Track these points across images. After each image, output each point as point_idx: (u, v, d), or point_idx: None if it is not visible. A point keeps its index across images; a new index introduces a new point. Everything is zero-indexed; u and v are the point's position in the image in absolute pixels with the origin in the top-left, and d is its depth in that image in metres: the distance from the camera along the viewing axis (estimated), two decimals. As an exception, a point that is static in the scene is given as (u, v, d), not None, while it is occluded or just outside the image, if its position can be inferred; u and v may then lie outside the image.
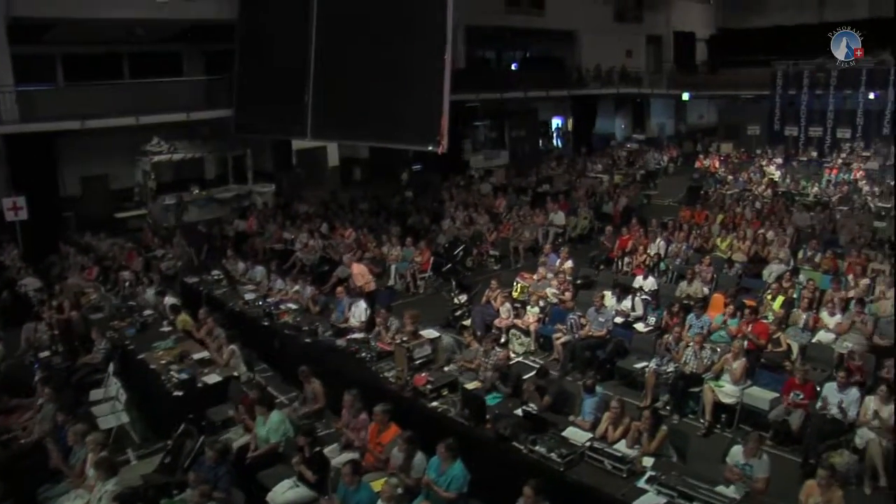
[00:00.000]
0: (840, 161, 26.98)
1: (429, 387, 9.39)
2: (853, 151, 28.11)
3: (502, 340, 12.78)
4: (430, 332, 10.60)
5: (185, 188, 24.31)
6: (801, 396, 9.31)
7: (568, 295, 13.22)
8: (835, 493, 6.95)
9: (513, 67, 38.20)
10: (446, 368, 10.18)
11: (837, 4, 35.77)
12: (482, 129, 34.69)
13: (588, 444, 7.84)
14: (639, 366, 10.95)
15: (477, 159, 32.50)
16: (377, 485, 7.48)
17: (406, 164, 28.24)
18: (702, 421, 9.95)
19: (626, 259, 16.07)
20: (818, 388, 9.40)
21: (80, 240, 19.44)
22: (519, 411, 8.68)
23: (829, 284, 12.87)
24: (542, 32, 34.54)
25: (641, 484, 7.27)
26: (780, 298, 12.36)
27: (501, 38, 35.56)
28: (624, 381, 11.20)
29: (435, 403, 9.26)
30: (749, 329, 11.15)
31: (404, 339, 10.40)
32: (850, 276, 13.49)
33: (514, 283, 14.34)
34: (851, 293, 12.66)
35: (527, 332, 12.65)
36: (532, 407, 8.84)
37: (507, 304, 12.97)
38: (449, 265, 16.56)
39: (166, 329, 12.47)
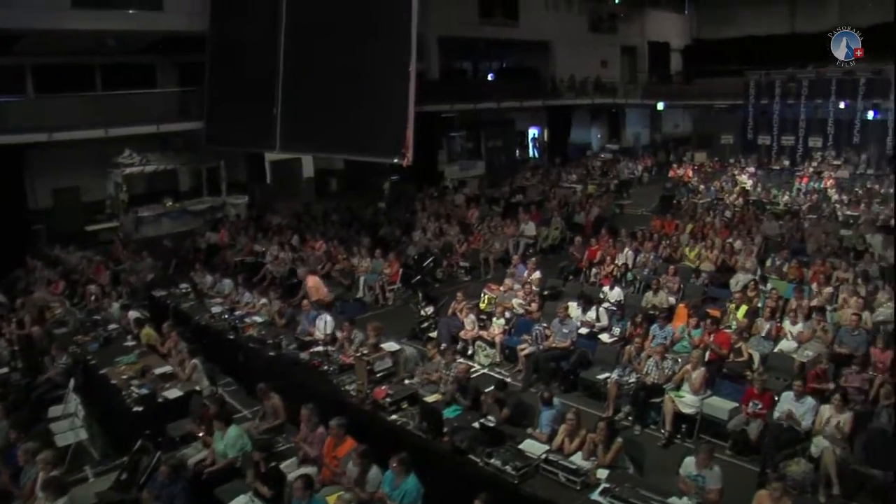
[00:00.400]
0: (811, 170, 27.28)
1: (388, 400, 9.37)
2: (824, 160, 28.42)
3: (468, 352, 12.82)
4: (390, 345, 10.58)
5: (159, 200, 24.23)
6: (760, 406, 9.37)
7: (534, 306, 13.26)
8: (786, 504, 6.99)
9: (489, 78, 38.34)
10: (407, 381, 10.17)
11: (808, 15, 36.29)
12: (458, 140, 34.74)
13: (543, 456, 7.86)
14: (602, 377, 10.96)
15: (452, 170, 32.53)
16: (332, 499, 7.47)
17: (383, 175, 28.20)
18: (662, 431, 9.98)
19: (595, 269, 16.10)
20: (776, 398, 9.47)
21: (49, 253, 19.26)
22: (477, 424, 8.67)
23: (793, 293, 12.96)
24: (516, 43, 34.75)
25: (595, 496, 7.29)
26: (744, 308, 12.45)
27: (476, 49, 35.70)
28: (587, 392, 11.22)
29: (394, 417, 9.24)
30: (711, 339, 11.23)
31: (365, 352, 10.38)
32: (814, 285, 13.61)
33: (482, 295, 14.35)
34: (815, 302, 12.77)
35: (492, 344, 12.64)
36: (491, 419, 8.84)
37: (472, 316, 12.98)
38: (418, 277, 16.57)
39: (130, 343, 12.39)
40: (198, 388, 10.67)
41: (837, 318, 12.05)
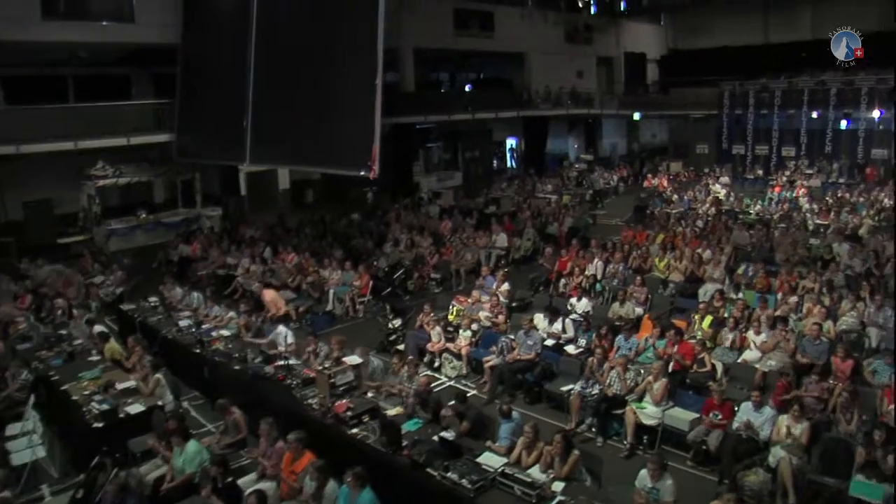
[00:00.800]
0: (784, 179, 27.52)
1: (349, 413, 9.34)
2: (797, 169, 28.71)
3: (435, 364, 12.83)
4: (353, 359, 10.55)
5: (133, 212, 24.11)
6: (720, 417, 9.43)
7: (501, 318, 13.27)
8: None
9: (466, 89, 38.48)
10: (370, 394, 10.15)
11: (781, 26, 36.73)
12: (436, 151, 34.81)
13: (500, 469, 7.86)
14: (565, 388, 10.95)
15: (430, 181, 32.59)
16: (287, 514, 7.44)
17: (360, 186, 28.18)
18: (625, 443, 10.00)
19: (564, 280, 16.13)
20: (736, 409, 9.52)
21: (17, 266, 19.08)
22: (436, 437, 8.67)
23: (757, 303, 13.05)
24: (492, 54, 34.92)
25: (550, 509, 7.31)
26: (709, 318, 12.50)
27: (453, 61, 35.85)
28: (552, 405, 11.23)
29: (355, 430, 9.21)
30: (675, 350, 11.28)
31: (327, 365, 10.36)
32: (780, 294, 13.71)
33: (451, 307, 14.35)
34: (780, 311, 12.85)
35: (459, 356, 12.65)
36: (450, 432, 8.83)
37: (439, 328, 12.98)
38: (389, 289, 16.55)
39: (96, 358, 12.26)
40: (160, 402, 10.58)
41: (801, 328, 12.12)
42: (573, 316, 13.36)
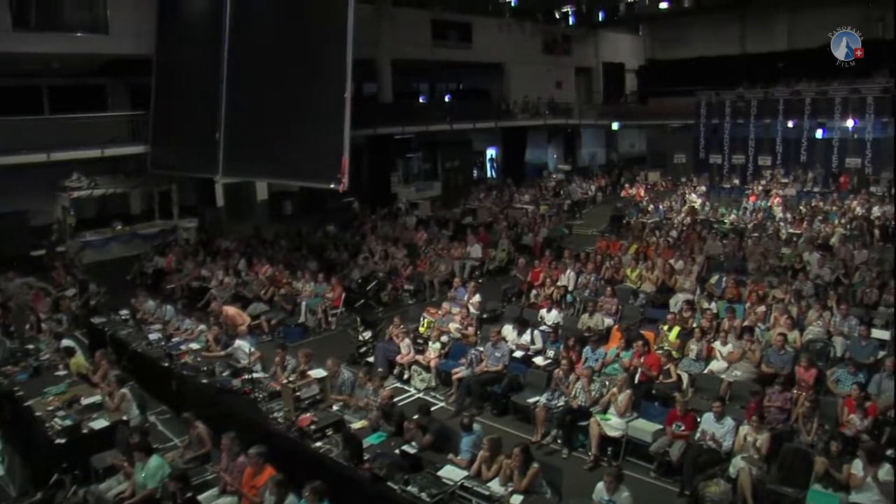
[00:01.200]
0: (760, 188, 27.71)
1: (313, 427, 9.32)
2: (773, 178, 28.92)
3: (405, 377, 12.83)
4: (318, 372, 10.53)
5: (109, 224, 23.98)
6: (683, 428, 9.48)
7: (471, 330, 13.28)
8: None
9: (446, 99, 38.58)
10: (335, 408, 10.14)
11: (758, 37, 37.12)
12: (415, 161, 34.84)
13: (460, 483, 7.87)
14: (532, 400, 10.97)
15: (408, 191, 32.59)
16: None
17: (341, 197, 28.09)
18: (590, 455, 10.02)
19: (535, 291, 16.15)
20: (699, 419, 9.57)
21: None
22: (398, 450, 8.67)
23: (724, 313, 13.12)
24: (470, 65, 35.04)
25: (508, 522, 7.32)
26: (676, 329, 12.55)
27: (432, 72, 35.93)
28: (518, 416, 11.25)
29: (318, 444, 9.19)
30: (641, 361, 11.33)
31: (292, 378, 10.35)
32: (749, 304, 13.78)
33: (422, 319, 14.34)
34: (748, 321, 12.92)
35: (428, 369, 12.65)
36: (414, 445, 8.84)
37: (408, 340, 12.98)
38: (362, 300, 16.53)
39: (62, 373, 12.16)
40: (126, 417, 10.51)
41: (768, 338, 12.18)
42: (542, 327, 13.40)
